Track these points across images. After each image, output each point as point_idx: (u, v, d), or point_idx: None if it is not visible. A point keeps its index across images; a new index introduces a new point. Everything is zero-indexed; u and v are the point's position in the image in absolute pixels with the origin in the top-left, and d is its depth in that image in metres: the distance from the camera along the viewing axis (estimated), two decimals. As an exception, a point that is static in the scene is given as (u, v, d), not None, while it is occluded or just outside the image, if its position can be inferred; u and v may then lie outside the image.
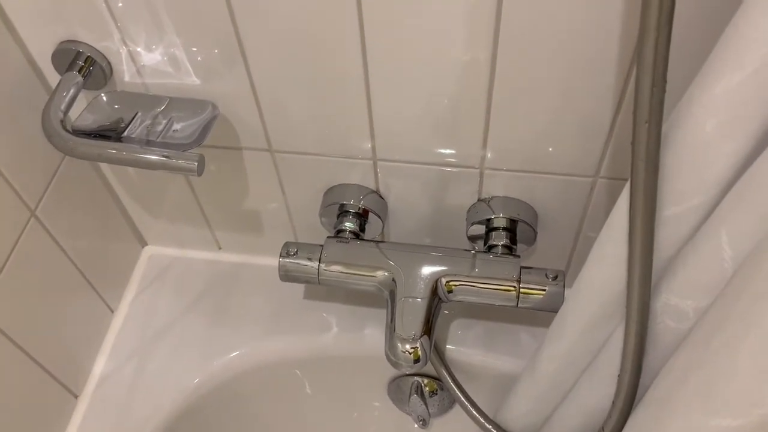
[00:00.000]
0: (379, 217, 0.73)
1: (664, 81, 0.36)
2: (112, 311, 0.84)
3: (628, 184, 0.43)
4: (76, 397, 0.78)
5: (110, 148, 0.59)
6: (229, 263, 0.87)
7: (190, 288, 0.85)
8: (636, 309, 0.47)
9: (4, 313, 0.64)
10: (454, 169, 0.67)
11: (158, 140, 0.60)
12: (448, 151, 0.66)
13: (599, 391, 0.58)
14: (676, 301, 0.45)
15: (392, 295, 0.67)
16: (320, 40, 0.57)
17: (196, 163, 0.57)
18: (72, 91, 0.61)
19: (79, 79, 0.61)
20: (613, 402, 0.54)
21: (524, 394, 0.68)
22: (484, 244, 0.70)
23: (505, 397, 0.72)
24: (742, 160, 0.38)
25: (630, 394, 0.52)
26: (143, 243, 0.89)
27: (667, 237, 0.45)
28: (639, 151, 0.39)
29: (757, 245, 0.36)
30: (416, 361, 0.64)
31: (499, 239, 0.69)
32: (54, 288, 0.72)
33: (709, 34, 0.41)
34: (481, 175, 0.68)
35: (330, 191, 0.74)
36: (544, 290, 0.66)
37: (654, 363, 0.50)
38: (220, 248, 0.88)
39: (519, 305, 0.67)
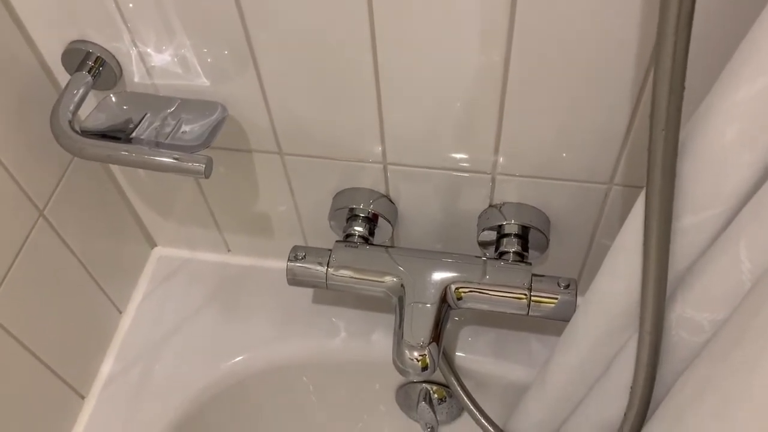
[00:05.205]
0: (389, 221, 0.72)
1: (682, 87, 0.35)
2: (120, 312, 0.83)
3: (643, 193, 0.42)
4: (82, 397, 0.77)
5: (119, 150, 0.58)
6: (238, 266, 0.87)
7: (199, 290, 0.85)
8: (650, 320, 0.46)
9: (12, 313, 0.64)
10: (466, 174, 0.66)
11: (167, 141, 0.60)
12: (459, 156, 0.65)
13: (611, 403, 0.56)
14: (691, 313, 0.44)
15: (401, 301, 0.66)
16: (330, 42, 0.56)
17: (203, 166, 0.56)
18: (81, 91, 0.60)
19: (89, 79, 0.61)
20: (624, 414, 0.52)
21: (534, 405, 0.67)
22: (495, 251, 0.69)
23: (516, 407, 0.71)
24: (762, 170, 0.37)
25: (642, 407, 0.51)
26: (153, 244, 0.89)
27: (683, 247, 0.43)
28: (655, 158, 0.38)
29: (777, 259, 0.35)
30: (424, 368, 0.63)
31: (511, 246, 0.68)
32: (62, 288, 0.72)
33: (730, 38, 0.40)
34: (493, 180, 0.66)
35: (340, 195, 0.73)
36: (556, 299, 0.65)
37: (667, 376, 0.49)
38: (229, 250, 0.87)
39: (530, 314, 0.66)
